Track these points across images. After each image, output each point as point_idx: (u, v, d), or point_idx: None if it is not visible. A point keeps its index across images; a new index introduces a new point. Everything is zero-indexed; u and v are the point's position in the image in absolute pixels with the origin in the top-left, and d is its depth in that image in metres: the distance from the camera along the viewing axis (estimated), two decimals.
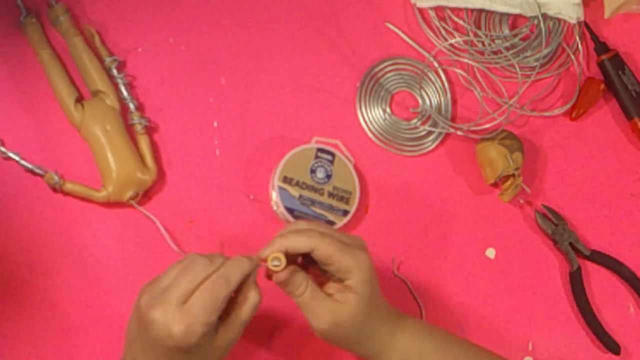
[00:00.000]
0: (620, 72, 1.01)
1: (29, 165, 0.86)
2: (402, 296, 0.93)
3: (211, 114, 0.94)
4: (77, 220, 0.88)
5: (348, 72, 0.98)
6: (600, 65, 1.02)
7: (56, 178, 0.86)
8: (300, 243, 0.76)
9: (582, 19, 1.03)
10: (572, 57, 1.03)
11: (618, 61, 1.01)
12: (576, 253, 0.97)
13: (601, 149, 1.02)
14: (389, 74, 0.99)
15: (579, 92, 1.01)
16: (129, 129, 0.89)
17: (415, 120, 0.98)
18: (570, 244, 0.97)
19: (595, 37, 1.03)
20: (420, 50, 0.99)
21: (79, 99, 0.88)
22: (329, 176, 0.91)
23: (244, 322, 0.76)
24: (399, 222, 0.95)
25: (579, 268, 0.96)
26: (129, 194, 0.87)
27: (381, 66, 0.99)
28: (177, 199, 0.91)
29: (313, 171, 0.91)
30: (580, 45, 1.03)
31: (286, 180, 0.90)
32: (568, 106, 1.01)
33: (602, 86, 1.01)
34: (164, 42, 0.94)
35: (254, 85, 0.95)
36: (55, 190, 0.87)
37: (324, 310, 0.77)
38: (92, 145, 0.87)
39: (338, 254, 0.76)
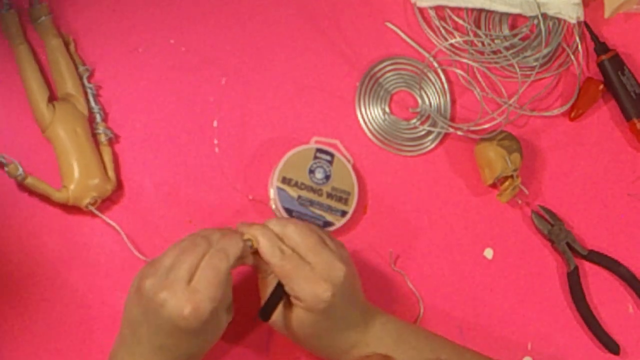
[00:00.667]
0: (619, 73, 1.01)
1: None
2: (401, 292, 0.94)
3: (211, 113, 0.94)
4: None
5: (348, 72, 0.98)
6: (600, 65, 1.02)
7: (20, 169, 0.85)
8: (265, 250, 0.79)
9: (582, 18, 1.03)
10: (572, 57, 1.03)
11: (618, 61, 1.01)
12: (573, 253, 0.97)
13: (600, 150, 1.02)
14: (388, 74, 0.99)
15: (578, 92, 1.01)
16: (92, 138, 0.89)
17: (414, 120, 0.99)
18: (568, 244, 0.97)
19: (595, 37, 1.02)
20: (420, 50, 1.00)
21: (50, 99, 0.88)
22: (327, 177, 0.92)
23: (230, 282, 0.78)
24: (397, 223, 0.95)
25: (576, 268, 0.96)
26: (89, 199, 0.86)
27: (381, 66, 0.99)
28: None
29: (312, 171, 0.91)
30: (580, 45, 1.03)
31: (285, 180, 0.91)
32: (567, 106, 1.01)
33: (602, 86, 1.01)
34: (165, 42, 0.95)
35: (254, 85, 0.96)
36: (17, 183, 0.87)
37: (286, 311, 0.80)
38: (57, 146, 0.87)
39: (288, 280, 0.78)
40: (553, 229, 0.97)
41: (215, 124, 0.94)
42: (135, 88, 0.93)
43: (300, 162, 0.91)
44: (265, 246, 0.78)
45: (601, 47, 1.02)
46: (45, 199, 0.87)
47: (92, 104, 0.91)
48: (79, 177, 0.86)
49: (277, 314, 0.80)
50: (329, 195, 0.91)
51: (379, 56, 0.99)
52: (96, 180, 0.87)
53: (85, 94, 0.91)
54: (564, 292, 0.97)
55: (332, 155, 0.93)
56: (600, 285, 0.98)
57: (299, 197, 0.90)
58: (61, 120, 0.87)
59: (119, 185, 0.90)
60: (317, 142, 0.94)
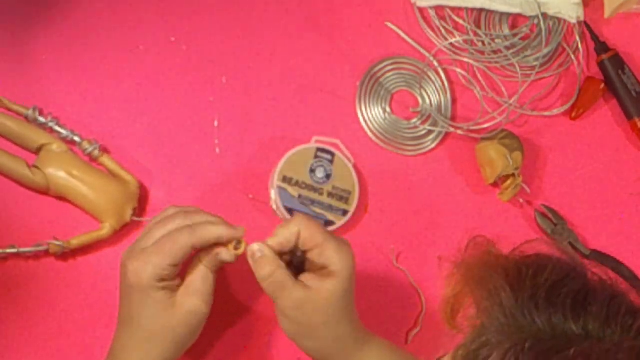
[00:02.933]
0: (620, 72, 1.01)
1: (30, 249, 0.85)
2: (403, 289, 0.94)
3: (211, 113, 0.94)
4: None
5: (348, 71, 0.98)
6: (600, 65, 1.02)
7: (60, 242, 0.84)
8: (287, 230, 0.76)
9: (582, 18, 1.03)
10: (572, 56, 1.03)
11: (618, 61, 1.01)
12: (576, 252, 0.97)
13: (601, 149, 1.01)
14: (389, 74, 0.99)
15: (578, 91, 1.01)
16: (86, 158, 0.88)
17: (415, 120, 0.98)
18: (570, 244, 0.97)
19: (595, 37, 1.03)
20: (420, 49, 1.00)
21: (28, 165, 0.86)
22: (328, 176, 0.92)
23: (206, 270, 0.77)
24: (398, 222, 0.95)
25: None
26: (129, 212, 0.87)
27: (381, 65, 0.99)
28: (174, 199, 0.91)
29: (312, 171, 0.91)
30: (580, 45, 1.03)
31: (285, 179, 0.90)
32: (568, 106, 1.01)
33: (602, 86, 1.01)
34: (166, 41, 0.94)
35: (254, 85, 0.95)
36: (63, 255, 0.86)
37: (291, 290, 0.76)
38: (68, 195, 0.86)
39: (322, 236, 0.76)
40: (556, 228, 0.97)
41: (215, 123, 0.93)
42: (136, 86, 0.93)
43: (301, 162, 0.91)
44: (287, 229, 0.77)
45: (601, 46, 1.02)
46: (96, 243, 0.87)
47: (62, 132, 0.88)
48: (107, 205, 0.86)
49: (290, 295, 0.76)
50: (330, 195, 0.91)
51: (379, 56, 0.99)
52: (122, 194, 0.87)
53: (50, 129, 0.88)
54: None
55: (332, 154, 0.92)
56: None
57: (300, 196, 0.90)
58: (54, 174, 0.85)
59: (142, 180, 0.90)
60: (317, 141, 0.94)
